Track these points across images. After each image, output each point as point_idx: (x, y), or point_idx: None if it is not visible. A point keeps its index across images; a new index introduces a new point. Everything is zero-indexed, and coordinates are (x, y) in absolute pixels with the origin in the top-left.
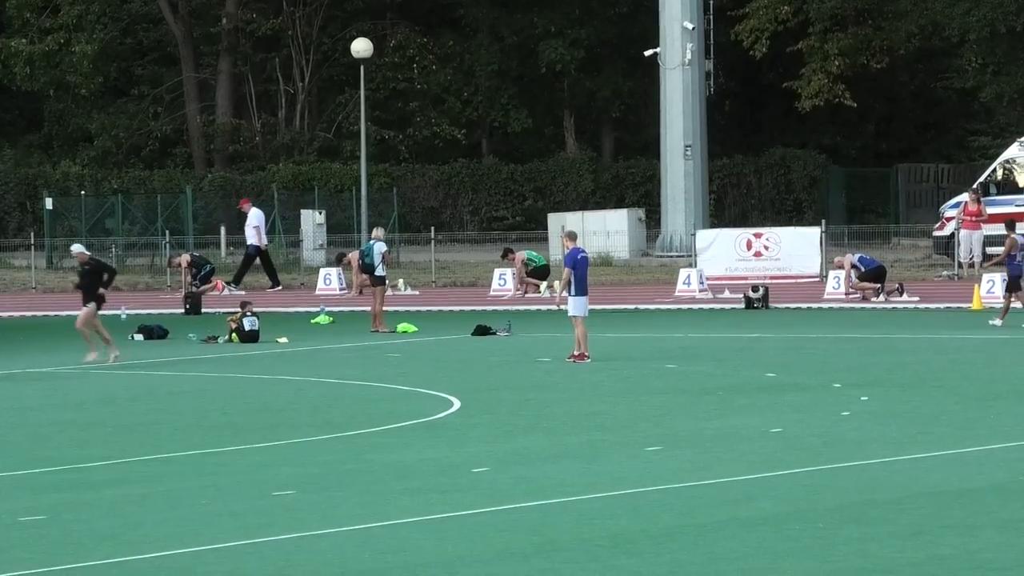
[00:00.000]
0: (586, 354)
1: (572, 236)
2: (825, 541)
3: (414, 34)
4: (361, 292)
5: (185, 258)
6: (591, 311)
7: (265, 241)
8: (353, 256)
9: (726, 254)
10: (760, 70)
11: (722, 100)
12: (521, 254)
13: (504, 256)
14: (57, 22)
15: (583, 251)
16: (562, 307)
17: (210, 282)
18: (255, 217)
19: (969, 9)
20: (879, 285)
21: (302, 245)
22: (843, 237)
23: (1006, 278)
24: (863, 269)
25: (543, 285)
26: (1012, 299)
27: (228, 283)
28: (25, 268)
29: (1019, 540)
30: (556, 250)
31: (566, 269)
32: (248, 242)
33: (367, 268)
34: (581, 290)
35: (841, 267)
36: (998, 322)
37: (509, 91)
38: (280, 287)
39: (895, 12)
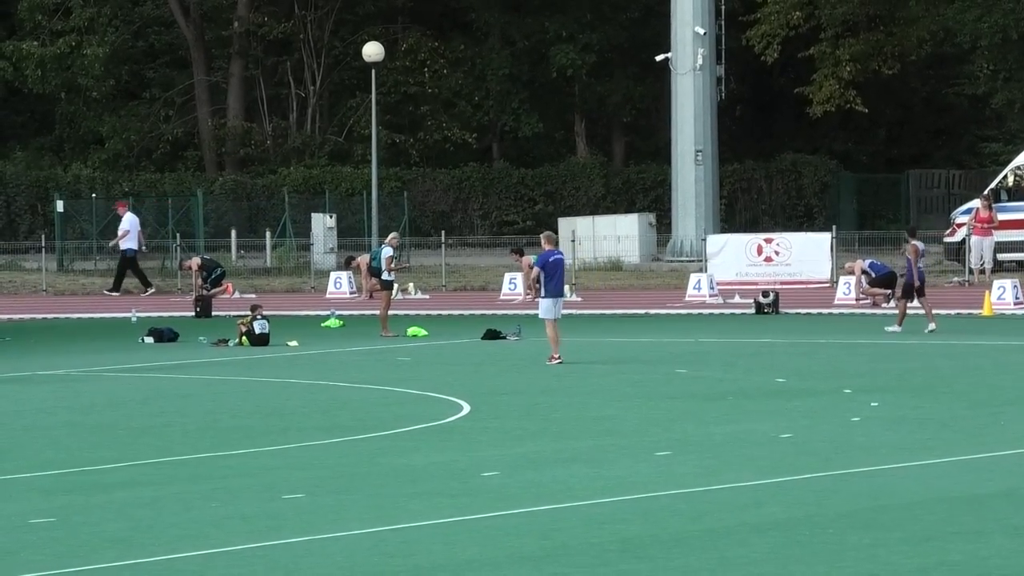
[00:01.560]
0: (555, 356)
1: (549, 238)
2: (835, 547)
3: (425, 38)
4: (371, 296)
5: (196, 261)
6: (596, 316)
7: (134, 247)
8: (362, 259)
9: (736, 259)
10: (771, 75)
11: (733, 105)
12: (528, 258)
13: (515, 253)
14: (68, 25)
15: (557, 253)
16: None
17: (221, 285)
18: (127, 222)
19: (981, 15)
20: (889, 291)
21: (312, 249)
22: (854, 243)
23: (919, 281)
24: (874, 275)
25: None
26: (907, 304)
27: (108, 291)
28: (36, 271)
29: None
30: (566, 255)
31: (536, 268)
32: (122, 247)
33: (375, 271)
34: (551, 292)
35: (852, 273)
36: (896, 328)
37: (520, 95)
38: (118, 294)
39: (906, 18)
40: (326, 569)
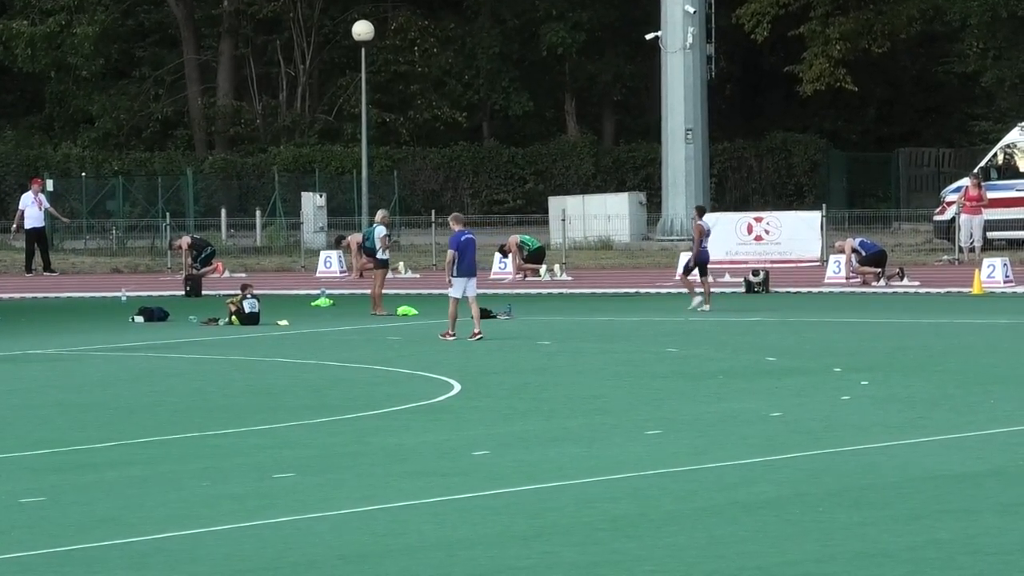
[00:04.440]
0: (451, 333)
1: (457, 219)
2: (825, 525)
3: (415, 17)
4: (361, 275)
5: (185, 240)
6: (586, 295)
7: (28, 225)
8: (353, 238)
9: (727, 238)
10: (761, 54)
11: (723, 84)
12: (515, 238)
13: (502, 252)
14: (58, 4)
15: (467, 233)
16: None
17: (211, 264)
18: (46, 199)
19: None
20: (880, 269)
21: (303, 228)
22: (844, 221)
23: (695, 263)
24: (864, 254)
25: (543, 268)
26: (696, 282)
27: (46, 270)
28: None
29: (1018, 524)
30: (557, 234)
31: (449, 251)
32: (38, 224)
33: (369, 251)
34: (463, 271)
35: (842, 251)
36: (706, 307)
37: (510, 74)
38: (31, 275)
39: None
40: (316, 548)
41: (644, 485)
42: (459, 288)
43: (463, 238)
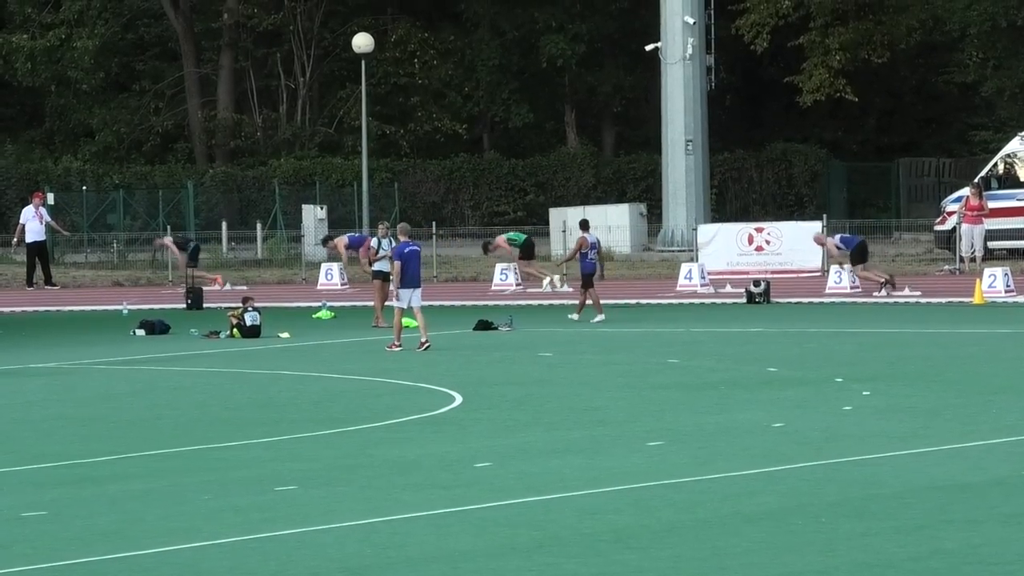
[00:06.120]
0: (397, 344)
1: (404, 230)
2: (827, 536)
3: (415, 29)
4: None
5: (168, 239)
6: (587, 306)
7: (29, 239)
8: (339, 241)
9: (727, 248)
10: (761, 65)
11: (723, 95)
12: (501, 237)
13: (485, 251)
14: (58, 17)
15: (411, 245)
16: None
17: (198, 258)
18: (47, 213)
19: (970, 3)
20: (863, 263)
21: (303, 240)
22: (844, 231)
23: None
24: (845, 248)
25: (545, 281)
26: (586, 295)
27: (48, 283)
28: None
29: (1021, 535)
30: (557, 245)
31: (395, 263)
32: (39, 238)
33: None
34: (407, 283)
35: (822, 244)
36: (575, 316)
37: (510, 86)
38: (57, 286)
39: (896, 6)
40: (318, 561)
41: (646, 496)
42: (404, 299)
43: (407, 250)
